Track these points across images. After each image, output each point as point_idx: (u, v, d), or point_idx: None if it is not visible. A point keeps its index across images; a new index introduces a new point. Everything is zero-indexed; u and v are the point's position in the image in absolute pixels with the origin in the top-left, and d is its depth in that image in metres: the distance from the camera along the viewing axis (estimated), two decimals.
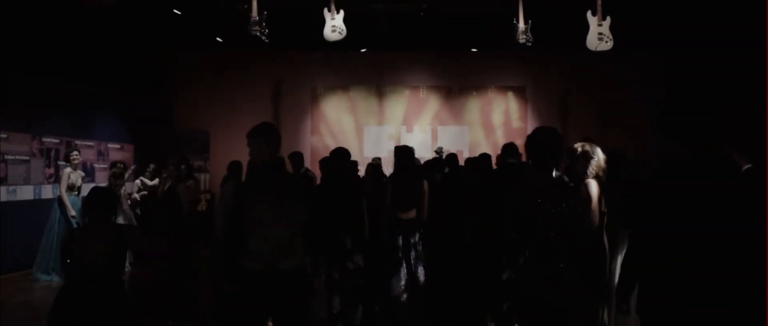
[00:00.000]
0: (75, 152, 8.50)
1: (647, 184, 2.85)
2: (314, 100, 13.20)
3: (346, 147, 6.17)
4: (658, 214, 2.63)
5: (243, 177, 7.64)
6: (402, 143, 11.93)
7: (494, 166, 6.85)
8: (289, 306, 3.67)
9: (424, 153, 11.35)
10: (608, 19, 7.70)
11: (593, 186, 4.50)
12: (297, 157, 8.40)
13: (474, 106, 13.05)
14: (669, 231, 2.59)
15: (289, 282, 3.65)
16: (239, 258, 3.71)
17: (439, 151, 10.86)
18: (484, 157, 6.45)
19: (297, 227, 3.74)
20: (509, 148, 5.92)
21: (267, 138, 3.74)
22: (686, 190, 2.58)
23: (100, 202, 4.08)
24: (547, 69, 12.75)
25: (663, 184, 2.69)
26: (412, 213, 5.53)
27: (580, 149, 4.67)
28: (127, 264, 8.03)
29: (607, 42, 7.52)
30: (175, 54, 12.86)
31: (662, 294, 2.62)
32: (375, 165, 7.74)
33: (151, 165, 10.11)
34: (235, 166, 7.71)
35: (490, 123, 13.01)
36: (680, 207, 2.57)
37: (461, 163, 8.26)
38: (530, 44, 7.85)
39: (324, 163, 6.05)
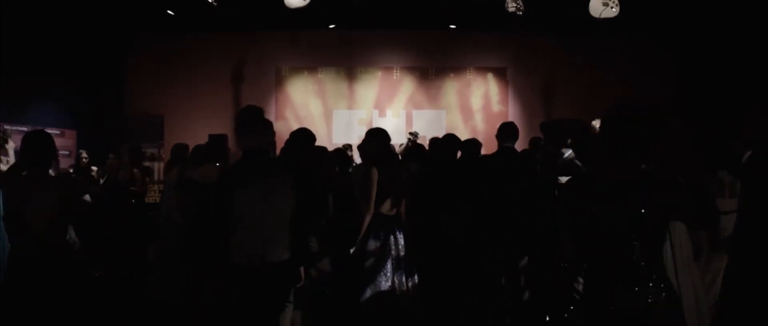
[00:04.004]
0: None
1: None
2: (278, 82, 12.25)
3: (314, 132, 5.24)
4: None
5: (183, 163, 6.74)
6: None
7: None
8: (281, 301, 3.65)
9: (398, 138, 10.49)
10: None
11: None
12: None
13: (451, 88, 12.23)
14: None
15: (281, 276, 3.55)
16: (227, 252, 3.49)
17: (413, 135, 9.98)
18: (473, 143, 5.59)
19: (286, 218, 3.58)
20: (507, 130, 5.02)
21: (264, 125, 3.69)
22: None
23: (39, 146, 3.78)
24: (531, 49, 11.93)
25: None
26: (393, 209, 4.58)
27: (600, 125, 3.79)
28: None
29: (612, 8, 6.63)
30: (125, 31, 11.79)
31: None
32: (342, 151, 6.85)
33: (84, 154, 9.05)
34: (179, 150, 6.74)
35: (469, 106, 12.21)
36: None
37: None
38: (521, 13, 6.96)
39: (289, 147, 5.07)
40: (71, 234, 7.78)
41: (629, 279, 2.24)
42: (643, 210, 2.22)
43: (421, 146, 6.85)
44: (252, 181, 3.48)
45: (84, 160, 9.12)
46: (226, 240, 3.46)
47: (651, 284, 2.23)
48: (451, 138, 5.42)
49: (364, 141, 4.98)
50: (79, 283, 3.89)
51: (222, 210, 3.47)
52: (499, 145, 5.17)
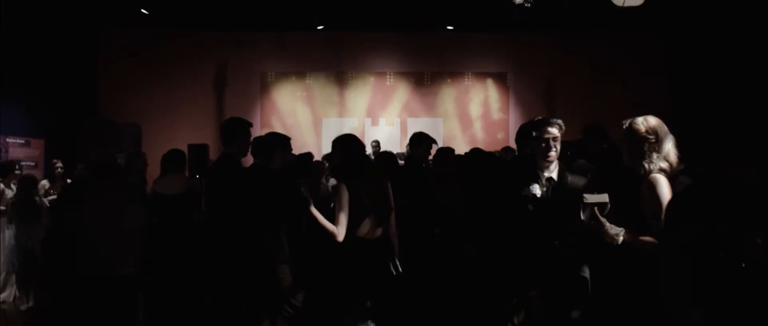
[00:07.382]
0: None
1: None
2: (264, 87, 11.59)
3: (302, 142, 4.50)
4: None
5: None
6: (366, 137, 10.45)
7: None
8: (123, 314, 3.58)
9: (392, 149, 9.81)
10: None
11: (663, 185, 2.87)
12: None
13: (448, 95, 11.62)
14: None
15: (125, 288, 3.56)
16: (70, 264, 3.52)
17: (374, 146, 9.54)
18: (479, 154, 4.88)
19: (132, 233, 3.59)
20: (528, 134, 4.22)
21: (101, 133, 3.50)
22: None
23: None
24: (533, 52, 11.34)
25: None
26: (378, 231, 3.72)
27: (626, 125, 3.04)
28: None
29: None
30: (97, 32, 11.10)
31: None
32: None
33: (58, 164, 8.26)
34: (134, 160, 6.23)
35: (467, 114, 11.59)
36: None
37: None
38: (529, 5, 6.25)
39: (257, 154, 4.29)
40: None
41: None
42: None
43: (391, 155, 5.79)
44: (96, 196, 3.52)
45: (59, 169, 8.33)
46: (67, 254, 3.50)
47: None
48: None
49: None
50: None
51: (64, 224, 3.54)
52: (519, 152, 4.42)
